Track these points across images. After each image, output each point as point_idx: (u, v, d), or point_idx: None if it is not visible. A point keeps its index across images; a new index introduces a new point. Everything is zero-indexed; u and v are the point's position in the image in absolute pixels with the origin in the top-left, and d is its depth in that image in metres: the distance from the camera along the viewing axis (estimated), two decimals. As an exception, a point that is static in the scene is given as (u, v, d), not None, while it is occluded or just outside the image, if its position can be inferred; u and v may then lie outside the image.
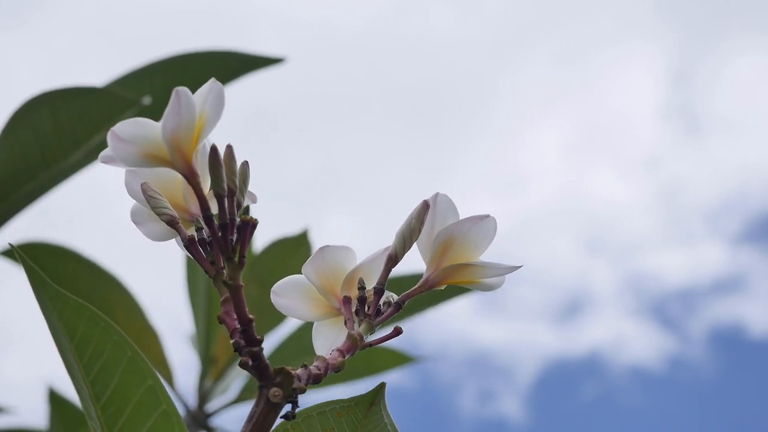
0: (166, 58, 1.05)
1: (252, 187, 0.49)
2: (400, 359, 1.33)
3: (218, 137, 0.47)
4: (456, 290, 1.26)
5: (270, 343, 1.33)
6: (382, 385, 0.53)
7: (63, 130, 0.99)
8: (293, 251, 1.19)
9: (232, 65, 1.09)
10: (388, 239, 0.51)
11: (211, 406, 1.30)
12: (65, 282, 1.22)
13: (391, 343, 1.31)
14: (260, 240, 1.31)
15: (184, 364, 1.32)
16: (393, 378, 1.36)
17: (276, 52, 1.11)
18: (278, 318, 1.27)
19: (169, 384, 1.27)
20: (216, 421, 1.29)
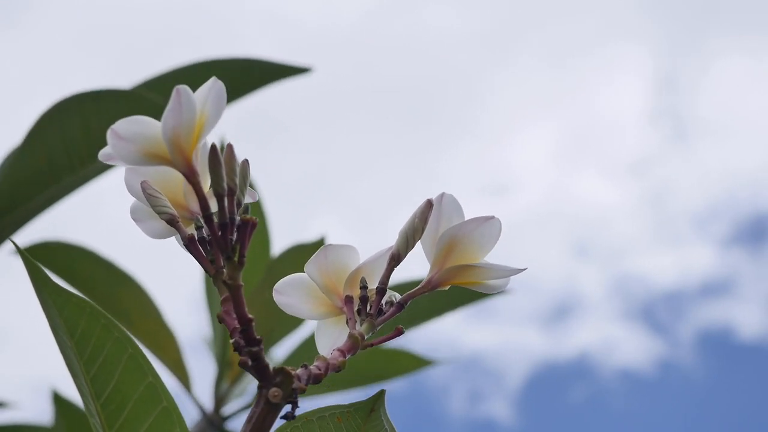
0: (190, 64, 1.05)
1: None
2: (419, 363, 1.32)
3: (211, 137, 0.47)
4: (461, 300, 1.25)
5: (286, 347, 1.33)
6: (382, 392, 0.53)
7: (91, 134, 0.99)
8: (309, 257, 1.19)
9: (257, 74, 1.08)
10: (375, 239, 0.51)
11: (228, 409, 1.30)
12: (82, 281, 1.22)
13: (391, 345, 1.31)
14: (276, 246, 1.31)
15: (200, 366, 1.32)
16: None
17: (302, 62, 1.10)
18: (294, 322, 1.27)
19: (185, 386, 1.27)
20: (232, 425, 1.29)
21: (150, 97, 0.95)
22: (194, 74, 1.04)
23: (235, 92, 1.08)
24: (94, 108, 0.97)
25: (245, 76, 1.08)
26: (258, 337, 0.46)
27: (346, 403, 0.52)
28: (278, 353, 1.35)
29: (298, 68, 1.09)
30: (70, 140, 0.99)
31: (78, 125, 0.98)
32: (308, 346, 1.29)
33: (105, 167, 1.02)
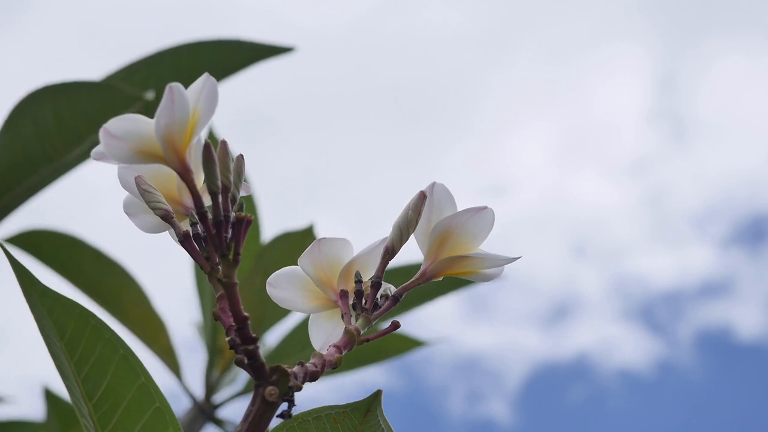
0: (173, 47, 1.04)
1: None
2: (410, 344, 1.32)
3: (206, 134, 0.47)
4: (453, 285, 1.25)
5: (275, 335, 1.33)
6: (379, 393, 0.53)
7: (65, 125, 0.98)
8: (299, 245, 1.18)
9: (240, 54, 1.07)
10: (374, 239, 0.50)
11: (219, 397, 1.29)
12: (70, 270, 1.22)
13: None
14: (266, 233, 1.31)
15: (191, 354, 1.32)
16: (382, 380, 1.36)
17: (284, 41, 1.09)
18: (285, 310, 1.26)
19: (176, 374, 1.27)
20: (223, 413, 1.29)
21: (122, 88, 0.94)
22: (179, 56, 1.03)
23: (218, 73, 1.07)
24: (65, 99, 0.96)
25: (228, 56, 1.07)
26: (254, 335, 0.45)
27: (341, 403, 0.52)
28: (270, 339, 1.35)
29: (280, 48, 1.08)
30: (43, 131, 0.98)
31: (51, 116, 0.97)
32: (299, 332, 1.28)
33: (82, 157, 1.01)
